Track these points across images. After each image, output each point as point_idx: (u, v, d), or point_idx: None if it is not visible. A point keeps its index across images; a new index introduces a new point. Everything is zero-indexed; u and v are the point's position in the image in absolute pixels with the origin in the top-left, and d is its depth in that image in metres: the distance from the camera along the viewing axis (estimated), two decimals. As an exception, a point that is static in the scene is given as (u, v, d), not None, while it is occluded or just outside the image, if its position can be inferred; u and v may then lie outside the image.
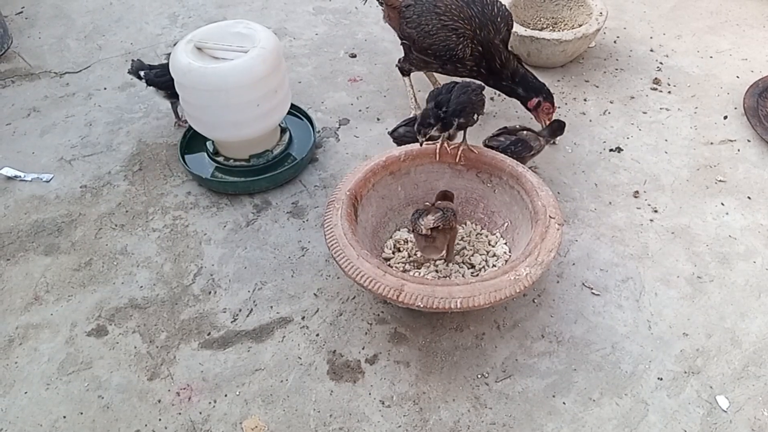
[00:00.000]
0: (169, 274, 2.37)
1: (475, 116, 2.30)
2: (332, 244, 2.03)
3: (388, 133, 2.66)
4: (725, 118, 2.93)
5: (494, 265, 2.24)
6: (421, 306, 1.87)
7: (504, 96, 3.08)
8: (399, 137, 2.60)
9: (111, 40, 3.60)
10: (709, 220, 2.50)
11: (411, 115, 2.94)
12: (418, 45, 2.69)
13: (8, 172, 2.77)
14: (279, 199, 2.64)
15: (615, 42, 3.42)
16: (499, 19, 2.61)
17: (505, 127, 2.60)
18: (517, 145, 2.49)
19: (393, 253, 2.31)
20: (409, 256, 2.29)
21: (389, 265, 2.21)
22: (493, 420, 1.94)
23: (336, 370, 2.08)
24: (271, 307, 2.26)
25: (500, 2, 2.68)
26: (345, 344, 2.14)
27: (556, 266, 2.34)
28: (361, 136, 2.89)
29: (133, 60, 2.89)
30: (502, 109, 3.00)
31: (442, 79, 3.05)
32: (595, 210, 2.54)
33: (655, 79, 3.16)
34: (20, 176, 2.76)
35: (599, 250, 2.40)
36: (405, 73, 2.89)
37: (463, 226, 2.39)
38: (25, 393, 2.04)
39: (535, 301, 2.24)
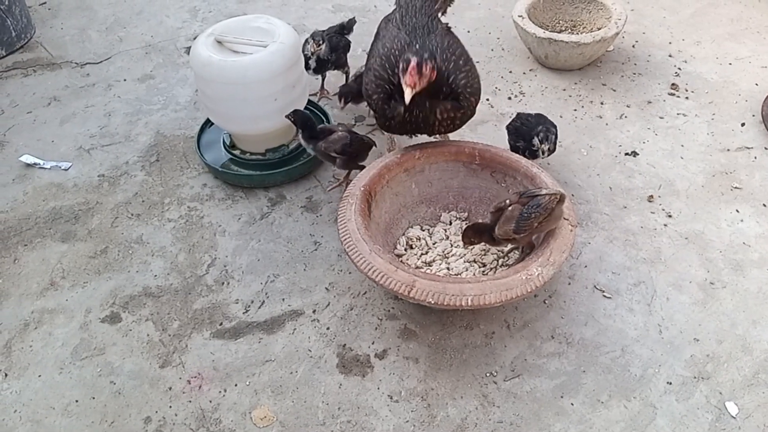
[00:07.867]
0: (183, 264, 2.40)
1: None
2: (345, 239, 2.04)
3: (339, 87, 2.79)
4: (743, 125, 2.91)
5: (506, 265, 2.24)
6: (432, 302, 1.88)
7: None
8: (344, 93, 2.74)
9: (132, 32, 3.64)
10: (724, 226, 2.49)
11: None
12: None
13: (28, 159, 2.81)
14: (293, 193, 2.66)
15: (633, 46, 3.41)
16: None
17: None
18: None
19: (405, 249, 2.32)
20: (422, 254, 2.30)
21: (401, 262, 2.22)
22: (501, 418, 1.95)
23: (345, 363, 2.09)
24: (283, 299, 2.28)
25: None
26: (355, 338, 2.15)
27: (568, 268, 2.34)
28: (376, 134, 2.90)
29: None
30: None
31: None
32: (609, 213, 2.54)
33: (673, 84, 3.15)
34: (39, 164, 2.80)
35: (612, 253, 2.40)
36: None
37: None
38: (39, 376, 2.08)
39: (546, 302, 2.25)
